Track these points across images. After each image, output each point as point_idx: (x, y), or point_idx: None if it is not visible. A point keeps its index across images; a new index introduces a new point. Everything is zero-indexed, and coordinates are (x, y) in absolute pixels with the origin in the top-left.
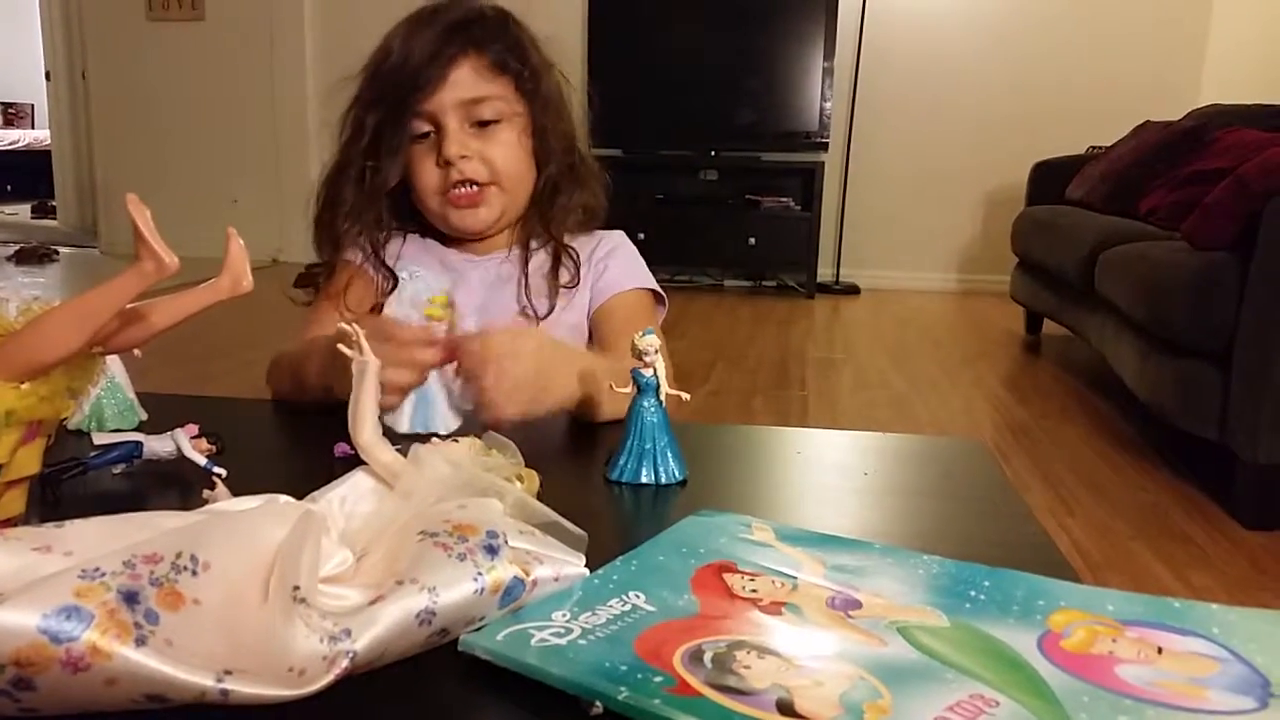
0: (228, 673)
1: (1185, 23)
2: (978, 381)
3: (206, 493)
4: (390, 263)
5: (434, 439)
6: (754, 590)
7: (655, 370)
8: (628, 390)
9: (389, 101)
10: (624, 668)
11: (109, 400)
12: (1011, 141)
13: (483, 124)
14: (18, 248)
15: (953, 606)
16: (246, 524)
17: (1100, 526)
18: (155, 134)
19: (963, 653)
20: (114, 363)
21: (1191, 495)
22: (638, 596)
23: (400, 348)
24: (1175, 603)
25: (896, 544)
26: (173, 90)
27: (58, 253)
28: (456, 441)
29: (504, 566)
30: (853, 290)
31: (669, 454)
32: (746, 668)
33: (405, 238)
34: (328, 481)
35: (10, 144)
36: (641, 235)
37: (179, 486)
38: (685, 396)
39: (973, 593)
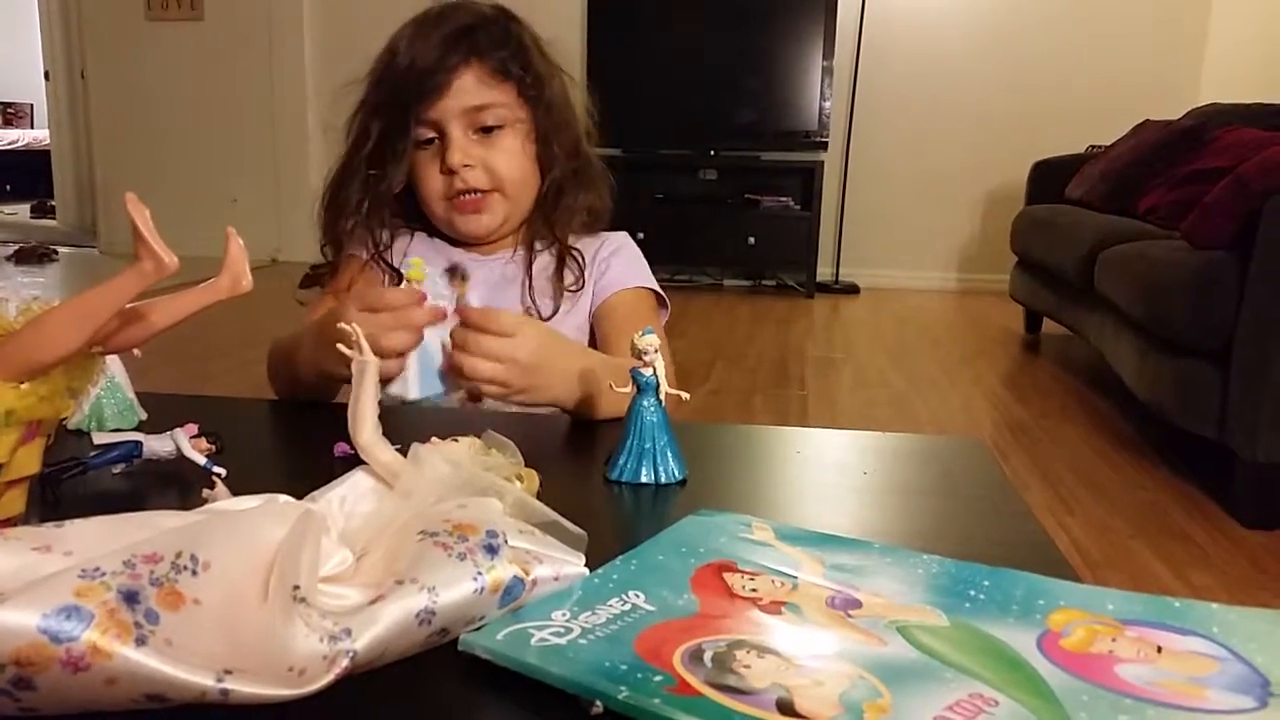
0: (228, 672)
1: (1184, 22)
2: (977, 380)
3: (206, 492)
4: (398, 260)
5: (434, 439)
6: (754, 590)
7: (655, 369)
8: (627, 390)
9: (393, 108)
10: (624, 667)
11: (109, 400)
12: (1011, 140)
13: (486, 130)
14: (17, 247)
15: (952, 606)
16: (246, 524)
17: (1100, 525)
18: (154, 134)
19: (962, 652)
20: (114, 362)
21: (1191, 494)
22: (637, 596)
23: (390, 314)
24: (1175, 602)
25: (896, 543)
26: (172, 90)
27: (57, 252)
28: (456, 441)
29: (504, 566)
30: (852, 289)
31: (669, 453)
32: (746, 667)
33: (413, 236)
34: (327, 481)
35: (9, 144)
36: (641, 235)
37: (179, 486)
38: (685, 396)
39: (972, 592)
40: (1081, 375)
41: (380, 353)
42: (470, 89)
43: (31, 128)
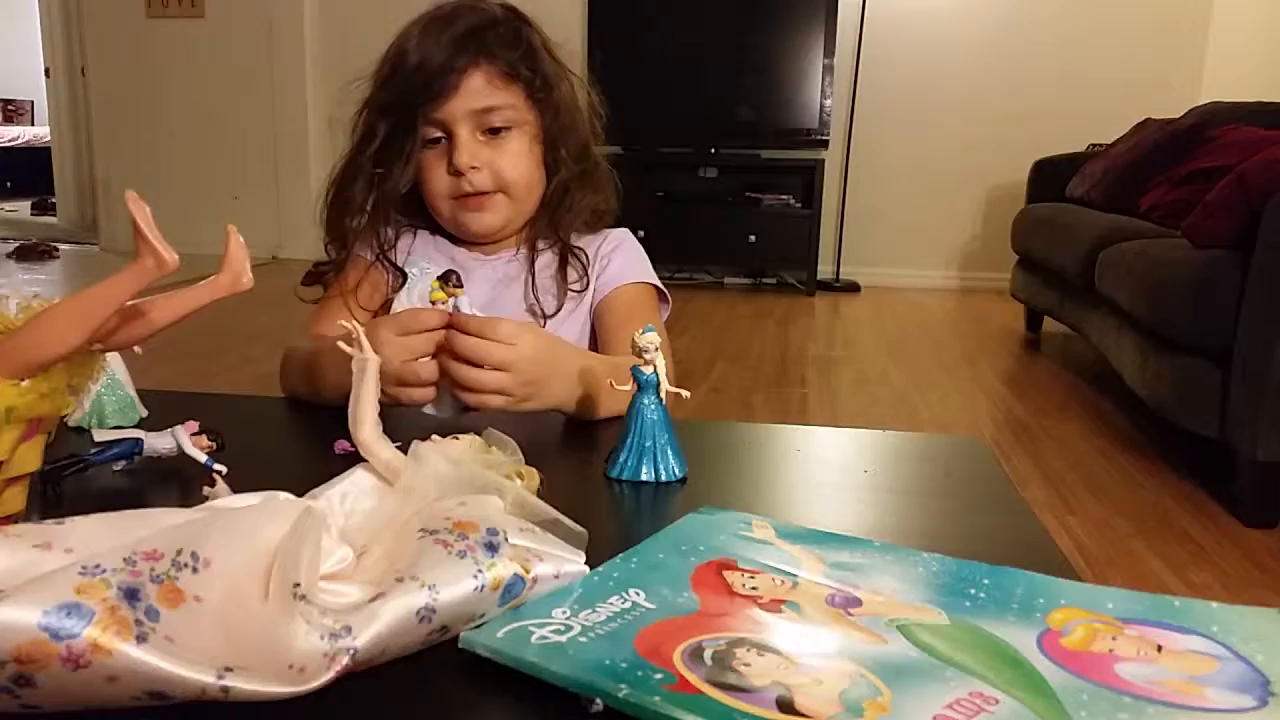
0: (228, 670)
1: (1186, 20)
2: (978, 379)
3: (207, 490)
4: (400, 259)
5: (434, 436)
6: (754, 588)
7: (655, 367)
8: (628, 388)
9: (401, 108)
10: (624, 665)
11: (109, 397)
12: (1012, 139)
13: (494, 131)
14: (18, 245)
15: (953, 604)
16: (247, 521)
17: (1100, 524)
18: (155, 131)
19: (963, 650)
20: (114, 360)
21: (1191, 493)
22: (638, 594)
23: (424, 339)
24: (1175, 601)
25: (896, 542)
26: (172, 87)
27: (58, 249)
28: (457, 439)
29: (504, 564)
30: (853, 288)
31: (669, 451)
32: (746, 665)
33: (416, 234)
34: (328, 478)
35: (10, 141)
36: (642, 232)
37: (179, 483)
38: (685, 394)
39: (973, 590)
40: (1082, 374)
41: (416, 382)
42: (479, 90)
43: (32, 125)
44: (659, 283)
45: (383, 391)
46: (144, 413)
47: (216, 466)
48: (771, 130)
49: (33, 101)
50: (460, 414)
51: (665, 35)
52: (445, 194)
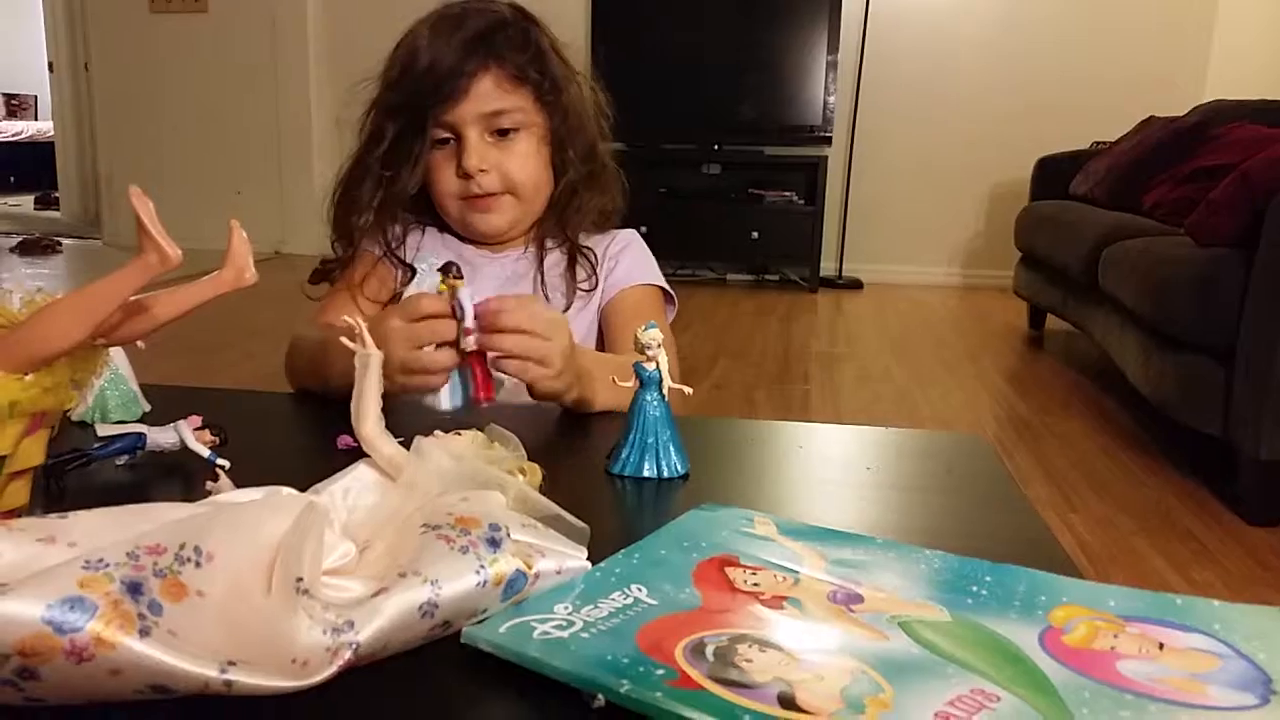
0: (231, 664)
1: (1190, 18)
2: (981, 376)
3: (209, 484)
4: (409, 255)
5: (437, 432)
6: (756, 584)
7: (658, 364)
8: (630, 384)
9: (410, 110)
10: (626, 660)
11: (112, 392)
12: (1015, 136)
13: (502, 133)
14: (21, 239)
15: (954, 601)
16: (250, 516)
17: (1103, 522)
18: (158, 126)
19: (964, 647)
20: (117, 354)
21: (1194, 491)
22: (639, 590)
23: (429, 328)
24: (1177, 599)
25: (898, 539)
26: (176, 82)
27: (61, 244)
28: (459, 435)
29: (506, 559)
30: (856, 285)
31: (671, 448)
32: (748, 661)
33: (424, 231)
34: (331, 473)
35: (13, 135)
36: (644, 229)
37: (182, 478)
38: (688, 391)
39: (974, 588)
40: (1085, 372)
41: (423, 370)
42: (488, 93)
43: (36, 119)
44: (666, 284)
45: (389, 379)
46: (147, 407)
47: (219, 461)
48: (775, 127)
49: (36, 96)
50: (466, 408)
51: (668, 32)
52: (454, 195)
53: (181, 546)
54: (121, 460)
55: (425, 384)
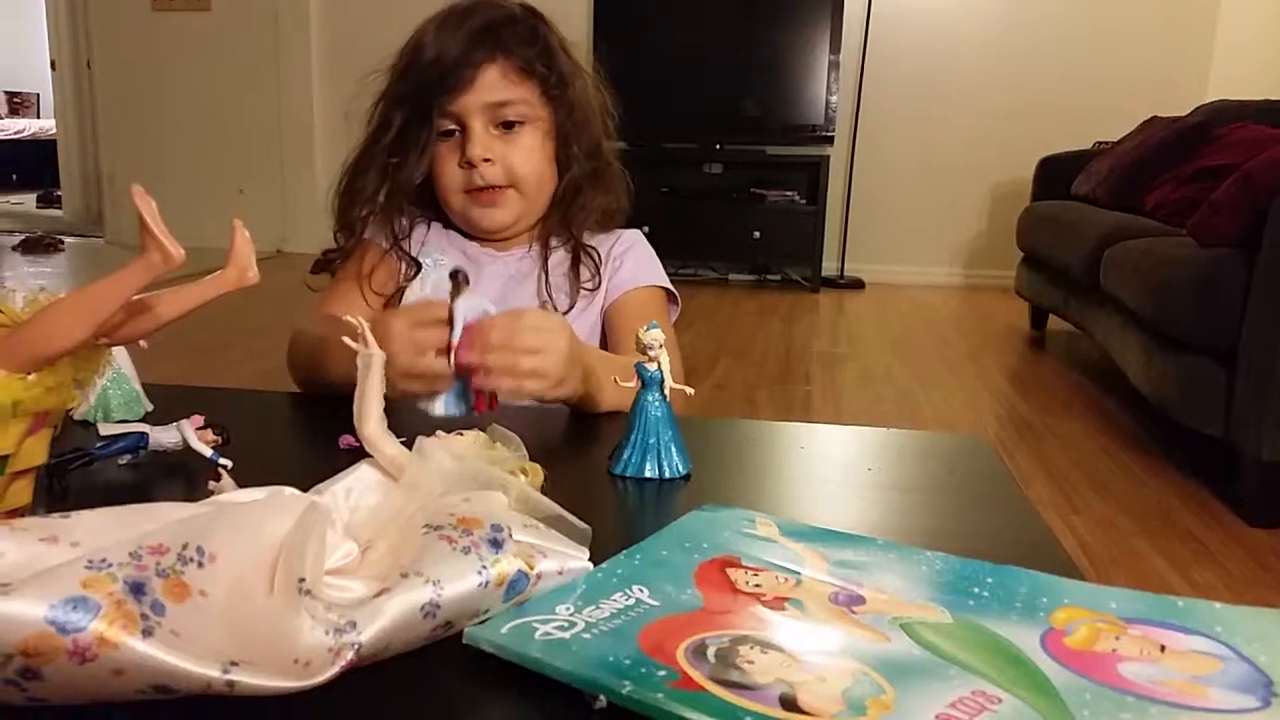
0: (233, 664)
1: (1193, 18)
2: (982, 377)
3: (212, 484)
4: (414, 250)
5: (439, 432)
6: (757, 585)
7: (660, 364)
8: (632, 385)
9: (416, 99)
10: (627, 661)
11: (115, 391)
12: (1017, 136)
13: (507, 126)
14: (23, 237)
15: (956, 603)
16: (252, 516)
17: (1104, 523)
18: (160, 124)
19: (966, 649)
20: (120, 354)
21: (1196, 492)
22: (641, 591)
23: (433, 332)
24: (1178, 601)
25: (900, 540)
26: (178, 80)
27: (63, 242)
28: (461, 435)
29: (508, 560)
30: (857, 285)
31: (673, 448)
32: (750, 663)
33: (430, 225)
34: (333, 474)
35: (15, 133)
36: (646, 228)
37: (184, 477)
38: (690, 391)
39: (976, 589)
40: (1087, 372)
41: (428, 374)
42: (494, 84)
43: (38, 117)
44: (670, 285)
45: (389, 383)
46: (149, 407)
47: (222, 461)
48: (777, 126)
49: (38, 94)
50: (466, 413)
51: (670, 31)
52: (457, 188)
53: (184, 546)
54: (124, 460)
55: (425, 389)
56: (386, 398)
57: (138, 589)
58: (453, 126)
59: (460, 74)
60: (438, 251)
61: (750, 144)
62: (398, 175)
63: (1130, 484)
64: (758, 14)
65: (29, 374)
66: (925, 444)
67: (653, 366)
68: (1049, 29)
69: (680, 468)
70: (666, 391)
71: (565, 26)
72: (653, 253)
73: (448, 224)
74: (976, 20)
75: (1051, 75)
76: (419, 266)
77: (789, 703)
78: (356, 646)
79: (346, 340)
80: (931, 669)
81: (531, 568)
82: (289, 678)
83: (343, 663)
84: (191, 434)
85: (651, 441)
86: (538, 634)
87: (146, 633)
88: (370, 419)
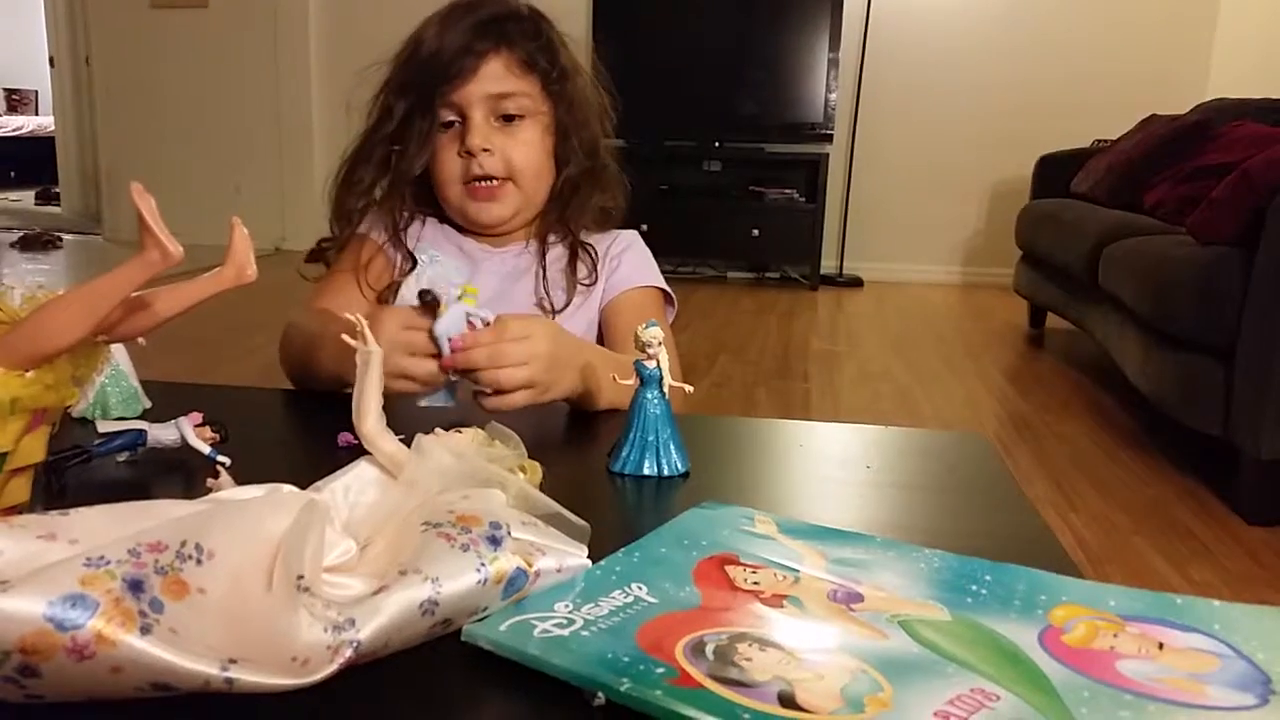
0: (232, 661)
1: (1192, 16)
2: (981, 375)
3: (210, 481)
4: (410, 244)
5: (438, 430)
6: (756, 583)
7: (658, 362)
8: (631, 382)
9: (418, 88)
10: (626, 659)
11: (113, 388)
12: (1016, 134)
13: (507, 118)
14: (22, 234)
15: (954, 600)
16: (251, 513)
17: (1102, 521)
18: (159, 121)
19: (964, 647)
20: (118, 351)
21: (1194, 490)
22: (640, 588)
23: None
24: (1177, 598)
25: (898, 537)
26: (177, 77)
27: (61, 239)
28: (460, 432)
29: (507, 557)
30: (856, 282)
31: (671, 446)
32: (748, 660)
33: (425, 222)
34: (331, 471)
35: (14, 130)
36: (644, 226)
37: (183, 475)
38: (689, 389)
39: (974, 587)
40: (1086, 371)
41: (422, 377)
42: (496, 75)
43: (36, 114)
44: (667, 286)
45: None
46: (148, 404)
47: (220, 458)
48: (775, 124)
49: (37, 91)
50: (456, 403)
51: (669, 28)
52: (456, 178)
53: (182, 544)
54: (122, 457)
55: (413, 390)
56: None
57: (136, 586)
58: (454, 117)
59: (463, 63)
60: (433, 248)
61: (749, 142)
62: (398, 165)
63: (1128, 482)
64: (757, 12)
65: (27, 371)
66: (924, 442)
67: (651, 364)
68: (1048, 27)
69: (679, 465)
70: (665, 389)
71: (565, 24)
72: (649, 253)
73: (443, 220)
74: (976, 18)
75: (1051, 73)
76: (414, 261)
77: (787, 700)
78: (355, 644)
79: (345, 337)
80: (930, 666)
81: (530, 565)
82: (287, 675)
83: (341, 660)
84: (190, 431)
85: (650, 439)
86: (536, 631)
87: (145, 630)
88: (369, 416)
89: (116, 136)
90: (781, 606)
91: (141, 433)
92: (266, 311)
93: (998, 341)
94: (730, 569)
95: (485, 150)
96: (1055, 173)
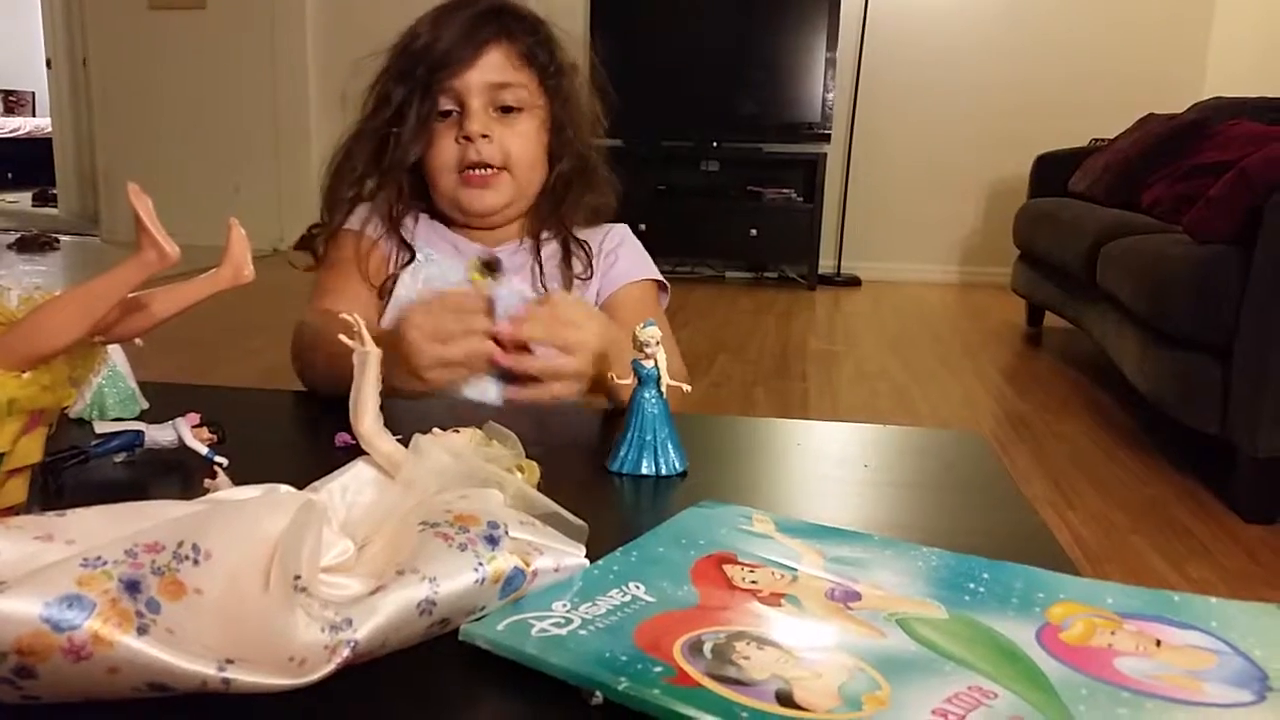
0: (229, 662)
1: (1189, 15)
2: (978, 374)
3: (208, 482)
4: (405, 237)
5: (435, 429)
6: (754, 581)
7: (656, 361)
8: (629, 382)
9: (417, 76)
10: (624, 658)
11: (110, 389)
12: (1014, 134)
13: (505, 110)
14: (19, 236)
15: (952, 599)
16: (248, 513)
17: (1100, 519)
18: (156, 122)
19: (962, 645)
20: (115, 351)
21: (1191, 488)
22: (638, 587)
23: (457, 320)
24: (1174, 596)
25: (896, 536)
26: (174, 78)
27: (59, 241)
28: (457, 432)
29: (504, 557)
30: (854, 282)
31: (669, 445)
32: (746, 658)
33: (418, 217)
34: (329, 471)
35: (11, 131)
36: (643, 226)
37: (180, 475)
38: (686, 388)
39: (972, 585)
40: (1083, 369)
41: (450, 362)
42: (496, 65)
43: (33, 116)
44: (661, 276)
45: (419, 378)
46: (145, 405)
47: (217, 459)
48: (773, 124)
49: (34, 92)
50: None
51: (667, 28)
52: (451, 166)
53: (179, 544)
54: (119, 458)
55: (453, 378)
56: (400, 390)
57: (133, 587)
58: (452, 106)
59: (463, 52)
60: (427, 245)
61: (747, 141)
62: (394, 153)
63: (1126, 480)
64: (755, 11)
65: (24, 372)
66: (921, 440)
67: (649, 364)
68: (1045, 27)
69: (677, 464)
70: (663, 388)
71: (562, 22)
72: (641, 245)
73: (435, 215)
74: (973, 18)
75: (1048, 73)
76: (412, 254)
77: (785, 698)
78: (352, 644)
79: (342, 338)
80: (927, 664)
81: (528, 565)
82: (285, 675)
83: (339, 660)
84: (187, 432)
85: (648, 438)
86: (534, 631)
87: (142, 631)
88: (366, 416)
89: (114, 138)
90: (779, 605)
91: (139, 433)
92: (264, 313)
93: (995, 340)
94: (728, 568)
95: (484, 136)
96: (1053, 172)
